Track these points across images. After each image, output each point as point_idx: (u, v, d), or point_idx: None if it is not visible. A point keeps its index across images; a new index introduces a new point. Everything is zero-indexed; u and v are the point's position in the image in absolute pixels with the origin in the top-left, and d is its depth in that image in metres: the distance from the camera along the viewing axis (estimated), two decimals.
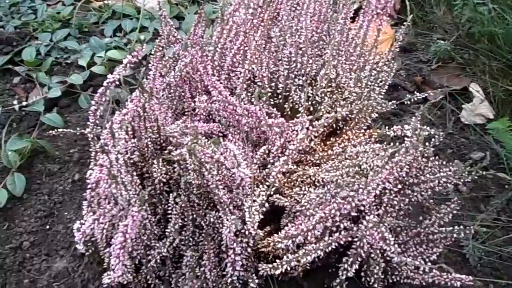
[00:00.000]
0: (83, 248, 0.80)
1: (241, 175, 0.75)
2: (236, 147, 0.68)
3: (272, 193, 0.81)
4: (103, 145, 0.63)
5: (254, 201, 0.76)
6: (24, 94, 1.33)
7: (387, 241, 0.70)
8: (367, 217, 0.70)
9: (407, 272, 0.82)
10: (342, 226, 0.69)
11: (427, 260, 0.80)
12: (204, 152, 0.73)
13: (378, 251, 0.79)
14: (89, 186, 0.75)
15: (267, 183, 0.77)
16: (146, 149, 0.80)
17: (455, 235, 0.77)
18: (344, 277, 0.79)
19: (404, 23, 1.04)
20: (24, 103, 1.24)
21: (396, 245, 0.71)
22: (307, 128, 0.76)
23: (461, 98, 1.25)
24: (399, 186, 0.75)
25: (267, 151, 0.81)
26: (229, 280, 0.83)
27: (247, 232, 0.79)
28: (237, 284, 0.84)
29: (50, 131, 0.93)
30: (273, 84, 1.00)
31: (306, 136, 0.75)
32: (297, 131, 0.81)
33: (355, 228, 0.75)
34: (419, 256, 0.81)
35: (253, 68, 0.95)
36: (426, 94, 1.01)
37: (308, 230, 0.69)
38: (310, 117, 0.82)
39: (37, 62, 1.38)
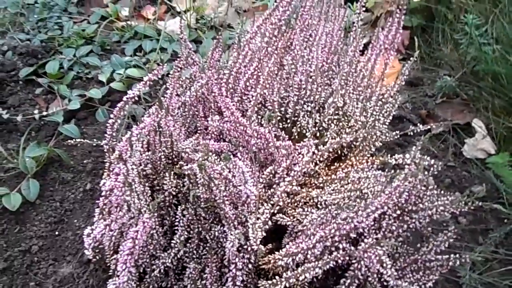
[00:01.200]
0: (91, 253, 0.83)
1: (247, 192, 0.79)
2: (244, 165, 0.72)
3: (275, 212, 0.85)
4: (120, 154, 0.68)
5: (258, 218, 0.80)
6: (44, 104, 1.39)
7: (384, 264, 0.73)
8: (365, 240, 0.73)
9: None
10: (341, 246, 0.72)
11: (423, 287, 0.82)
12: (213, 168, 0.77)
13: (375, 275, 0.81)
14: (103, 193, 0.79)
15: (271, 202, 0.80)
16: (159, 162, 0.84)
17: (451, 263, 0.79)
18: None
19: (411, 58, 1.09)
20: (44, 113, 1.29)
21: (393, 269, 0.74)
22: (313, 152, 0.80)
23: (464, 133, 1.29)
24: (398, 212, 0.78)
25: (273, 172, 0.85)
26: None
27: (249, 248, 0.82)
28: None
29: (68, 141, 0.98)
30: (282, 109, 1.05)
31: (311, 159, 0.79)
32: (303, 154, 0.85)
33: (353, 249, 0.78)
34: (416, 283, 0.84)
35: (264, 93, 1.00)
36: (429, 126, 1.05)
37: (308, 249, 0.72)
38: (316, 141, 0.86)
39: (59, 75, 1.44)
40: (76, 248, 1.04)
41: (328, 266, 0.70)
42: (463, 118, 1.32)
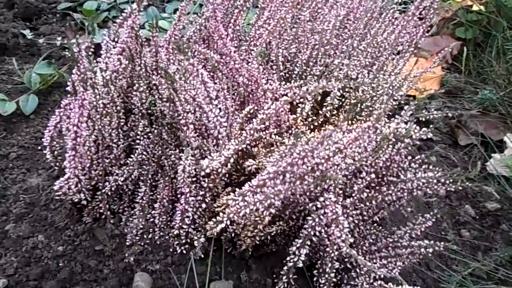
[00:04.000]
0: (49, 150, 0.80)
1: (214, 121, 0.72)
2: (211, 82, 0.66)
3: (246, 157, 0.78)
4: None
5: (221, 154, 0.72)
6: (72, 37, 1.40)
7: (340, 226, 0.63)
8: (325, 194, 0.64)
9: (363, 284, 0.73)
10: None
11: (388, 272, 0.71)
12: (182, 85, 0.72)
13: (334, 246, 0.71)
14: (68, 88, 0.76)
15: (239, 139, 0.73)
16: (138, 78, 0.80)
17: (423, 251, 0.67)
18: (292, 263, 0.72)
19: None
20: (65, 41, 1.30)
21: (349, 235, 0.63)
22: (295, 93, 0.72)
23: (493, 149, 1.14)
24: (373, 176, 0.68)
25: (252, 111, 0.78)
26: (175, 232, 0.78)
27: (205, 184, 0.75)
28: (183, 240, 0.79)
29: (66, 52, 0.96)
30: (290, 66, 0.98)
31: (291, 99, 0.71)
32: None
33: (310, 204, 0.69)
34: (381, 268, 0.72)
35: (271, 44, 0.94)
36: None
37: (258, 186, 0.63)
38: (300, 82, 0.78)
39: (94, 14, 1.46)
40: (51, 164, 1.01)
41: (270, 205, 0.61)
42: (497, 134, 1.17)
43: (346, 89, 0.95)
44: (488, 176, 1.09)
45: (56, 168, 0.87)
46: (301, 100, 0.86)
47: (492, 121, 1.21)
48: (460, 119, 1.26)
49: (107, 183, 0.79)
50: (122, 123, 0.79)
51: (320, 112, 0.91)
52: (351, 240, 0.63)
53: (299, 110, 0.88)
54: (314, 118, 0.91)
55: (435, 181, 0.66)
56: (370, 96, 0.91)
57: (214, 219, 0.69)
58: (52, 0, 1.52)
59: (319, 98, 0.94)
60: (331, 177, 0.54)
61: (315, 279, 0.76)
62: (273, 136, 0.79)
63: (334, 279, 0.74)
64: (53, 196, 0.93)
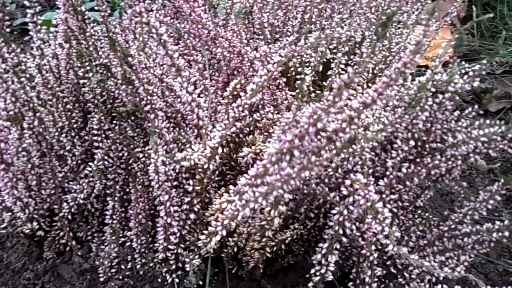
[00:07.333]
0: None
1: (188, 100, 0.55)
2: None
3: (234, 141, 0.60)
4: None
5: (205, 144, 0.54)
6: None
7: (379, 217, 0.45)
8: (352, 176, 0.46)
9: None
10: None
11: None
12: (139, 59, 0.54)
13: (371, 246, 0.53)
14: None
15: (225, 122, 0.55)
16: (81, 57, 0.61)
17: (495, 236, 0.49)
18: (319, 277, 0.53)
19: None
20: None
21: (395, 228, 0.45)
22: (294, 50, 0.55)
23: None
24: (411, 143, 0.50)
25: (239, 85, 0.60)
26: (161, 256, 0.59)
27: (190, 188, 0.57)
28: (172, 266, 0.61)
29: None
30: (280, 37, 0.81)
31: (286, 59, 0.53)
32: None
33: (332, 194, 0.51)
34: (440, 267, 0.53)
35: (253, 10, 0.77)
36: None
37: (258, 176, 0.45)
38: (294, 37, 0.60)
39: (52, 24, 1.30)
40: None
41: (278, 201, 0.43)
42: None
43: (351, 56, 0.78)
44: None
45: None
46: (299, 69, 0.68)
47: None
48: (484, 84, 1.09)
49: (65, 204, 0.61)
50: (76, 126, 0.61)
51: (324, 83, 0.74)
52: (397, 234, 0.45)
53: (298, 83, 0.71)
54: (318, 92, 0.74)
55: (498, 138, 0.48)
56: (384, 57, 0.74)
57: (206, 231, 0.51)
58: (8, 18, 1.36)
59: (320, 68, 0.77)
60: (365, 136, 0.36)
61: None
62: (270, 115, 0.61)
63: None
64: (8, 231, 0.75)
